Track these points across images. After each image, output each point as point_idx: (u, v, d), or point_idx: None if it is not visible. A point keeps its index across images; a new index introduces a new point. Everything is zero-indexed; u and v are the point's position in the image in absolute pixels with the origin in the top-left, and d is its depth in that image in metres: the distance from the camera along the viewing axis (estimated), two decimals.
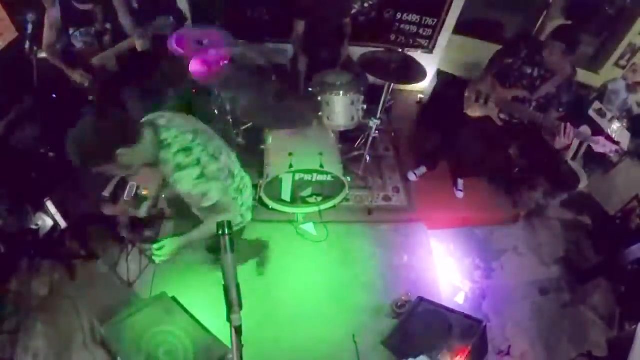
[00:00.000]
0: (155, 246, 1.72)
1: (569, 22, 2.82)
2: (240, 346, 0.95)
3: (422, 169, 3.49)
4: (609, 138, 2.64)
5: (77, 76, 2.45)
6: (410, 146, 3.78)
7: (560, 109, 2.69)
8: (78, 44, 2.43)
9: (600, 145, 2.53)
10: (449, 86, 3.65)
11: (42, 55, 2.50)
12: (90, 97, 2.65)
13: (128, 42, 2.44)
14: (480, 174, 3.47)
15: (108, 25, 2.45)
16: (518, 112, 2.77)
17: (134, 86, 2.75)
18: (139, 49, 2.45)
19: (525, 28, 3.86)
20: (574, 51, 2.51)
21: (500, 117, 2.86)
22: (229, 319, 0.95)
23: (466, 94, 2.93)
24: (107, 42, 2.50)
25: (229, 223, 1.02)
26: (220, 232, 1.00)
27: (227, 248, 0.99)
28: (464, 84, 3.02)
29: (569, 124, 2.49)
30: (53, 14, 2.31)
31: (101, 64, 2.48)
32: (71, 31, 2.39)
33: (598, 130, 2.92)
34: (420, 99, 4.29)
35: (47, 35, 2.34)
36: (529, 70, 2.69)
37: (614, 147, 2.51)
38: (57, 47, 2.40)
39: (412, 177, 3.48)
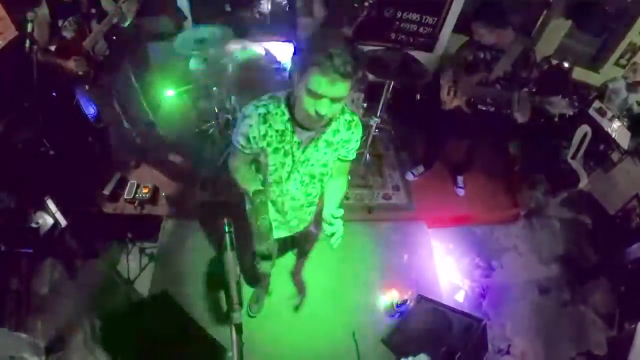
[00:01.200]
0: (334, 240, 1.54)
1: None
2: (240, 344, 0.95)
3: (420, 168, 3.49)
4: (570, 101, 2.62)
5: (72, 64, 2.45)
6: (409, 145, 3.79)
7: (525, 88, 2.65)
8: (69, 34, 2.43)
9: (556, 106, 2.52)
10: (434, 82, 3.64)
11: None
12: (87, 86, 2.64)
13: (110, 18, 2.44)
14: (474, 167, 3.47)
15: (93, 10, 2.46)
16: (485, 95, 2.73)
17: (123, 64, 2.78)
18: (118, 19, 2.46)
19: (525, 27, 3.86)
20: (501, 24, 2.48)
21: (469, 103, 2.83)
22: (229, 317, 0.95)
23: (441, 91, 2.90)
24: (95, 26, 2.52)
25: (230, 222, 1.02)
26: (225, 230, 1.00)
27: (228, 246, 0.99)
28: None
29: (521, 92, 2.52)
30: (42, 13, 2.31)
31: (92, 45, 2.49)
32: (60, 23, 2.40)
33: (598, 129, 2.92)
34: (420, 97, 4.29)
35: (39, 35, 2.33)
36: (481, 55, 2.67)
37: (566, 101, 2.51)
38: (49, 46, 2.40)
39: (410, 177, 3.48)
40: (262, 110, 1.39)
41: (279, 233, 1.83)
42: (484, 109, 2.80)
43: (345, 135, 1.50)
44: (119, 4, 2.44)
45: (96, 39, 2.48)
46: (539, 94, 2.60)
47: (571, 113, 2.51)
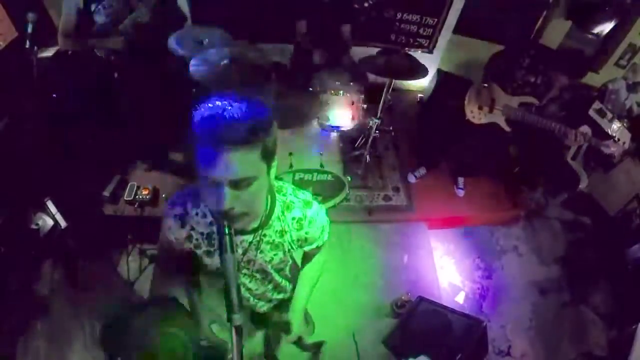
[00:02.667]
0: (290, 338, 1.41)
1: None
2: (241, 346, 0.94)
3: (422, 170, 3.49)
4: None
5: (111, 43, 2.44)
6: (410, 146, 3.79)
7: (563, 112, 2.72)
8: (101, 19, 2.40)
9: (610, 149, 2.60)
10: (449, 86, 3.65)
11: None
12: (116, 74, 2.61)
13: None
14: (484, 174, 3.48)
15: None
16: (527, 119, 2.77)
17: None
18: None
19: (525, 28, 3.86)
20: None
21: (509, 122, 2.86)
22: (229, 319, 0.95)
23: (466, 102, 2.92)
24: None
25: (229, 224, 1.00)
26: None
27: (227, 248, 0.98)
28: (464, 83, 3.01)
29: (579, 131, 2.63)
30: None
31: (126, 29, 2.48)
32: (93, 7, 2.35)
33: (599, 131, 2.92)
34: (421, 98, 4.29)
35: (66, 20, 2.31)
36: (532, 79, 2.71)
37: (622, 149, 2.67)
38: (76, 32, 2.36)
39: (411, 179, 3.48)
40: (178, 212, 1.13)
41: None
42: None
43: (296, 236, 1.21)
44: None
45: (133, 22, 2.47)
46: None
47: (615, 156, 2.66)
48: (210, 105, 0.87)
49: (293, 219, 1.18)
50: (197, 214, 1.13)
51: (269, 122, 0.91)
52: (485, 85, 2.85)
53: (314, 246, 1.31)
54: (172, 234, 1.16)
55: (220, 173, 0.87)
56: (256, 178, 0.92)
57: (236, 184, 0.89)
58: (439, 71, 4.06)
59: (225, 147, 0.83)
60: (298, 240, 1.23)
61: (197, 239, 1.16)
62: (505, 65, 2.78)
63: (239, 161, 0.86)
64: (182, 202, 1.14)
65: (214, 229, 1.12)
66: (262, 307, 1.52)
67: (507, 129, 2.88)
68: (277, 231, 1.18)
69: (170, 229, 1.15)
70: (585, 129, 2.79)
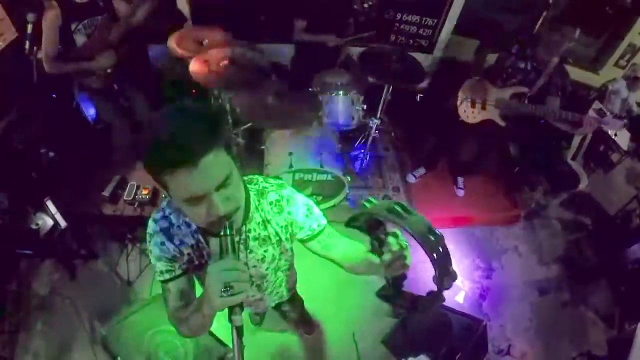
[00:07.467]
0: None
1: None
2: (242, 347, 0.94)
3: (421, 170, 3.49)
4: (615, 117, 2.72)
5: (102, 60, 2.44)
6: (410, 146, 3.79)
7: (559, 93, 2.66)
8: (81, 39, 2.38)
9: (611, 125, 2.63)
10: (442, 82, 3.65)
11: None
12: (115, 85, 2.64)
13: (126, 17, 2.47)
14: (481, 172, 3.48)
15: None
16: (520, 110, 2.71)
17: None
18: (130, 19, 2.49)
19: (525, 28, 3.86)
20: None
21: (504, 117, 2.82)
22: (230, 320, 0.94)
23: (458, 103, 2.87)
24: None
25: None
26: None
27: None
28: (457, 79, 2.99)
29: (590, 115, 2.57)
30: (53, 15, 2.18)
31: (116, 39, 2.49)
32: (73, 27, 2.30)
33: (599, 131, 2.92)
34: (421, 98, 4.29)
35: (50, 42, 2.22)
36: (522, 65, 2.64)
37: (621, 122, 2.67)
38: (59, 52, 2.31)
39: (411, 179, 3.48)
40: (163, 224, 1.12)
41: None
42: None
43: (282, 220, 1.17)
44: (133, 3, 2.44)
45: (118, 35, 2.47)
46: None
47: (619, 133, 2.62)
48: (162, 129, 0.83)
49: (270, 203, 1.15)
50: (181, 225, 1.11)
51: (218, 114, 0.91)
52: (476, 78, 2.78)
53: (314, 228, 1.20)
54: (167, 249, 1.11)
55: (205, 184, 0.86)
56: (231, 172, 0.91)
57: (222, 186, 0.89)
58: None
59: (199, 158, 0.82)
60: (286, 226, 1.18)
61: (188, 254, 1.13)
62: (481, 54, 2.76)
63: (215, 164, 0.85)
64: (164, 215, 1.13)
65: (198, 237, 1.11)
66: (268, 297, 1.53)
67: (502, 123, 2.82)
68: (259, 223, 1.15)
69: (164, 243, 1.11)
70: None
